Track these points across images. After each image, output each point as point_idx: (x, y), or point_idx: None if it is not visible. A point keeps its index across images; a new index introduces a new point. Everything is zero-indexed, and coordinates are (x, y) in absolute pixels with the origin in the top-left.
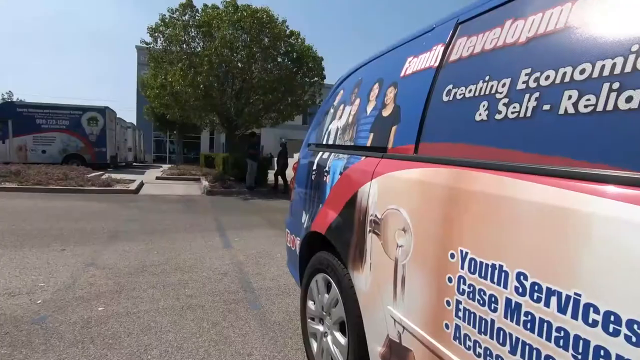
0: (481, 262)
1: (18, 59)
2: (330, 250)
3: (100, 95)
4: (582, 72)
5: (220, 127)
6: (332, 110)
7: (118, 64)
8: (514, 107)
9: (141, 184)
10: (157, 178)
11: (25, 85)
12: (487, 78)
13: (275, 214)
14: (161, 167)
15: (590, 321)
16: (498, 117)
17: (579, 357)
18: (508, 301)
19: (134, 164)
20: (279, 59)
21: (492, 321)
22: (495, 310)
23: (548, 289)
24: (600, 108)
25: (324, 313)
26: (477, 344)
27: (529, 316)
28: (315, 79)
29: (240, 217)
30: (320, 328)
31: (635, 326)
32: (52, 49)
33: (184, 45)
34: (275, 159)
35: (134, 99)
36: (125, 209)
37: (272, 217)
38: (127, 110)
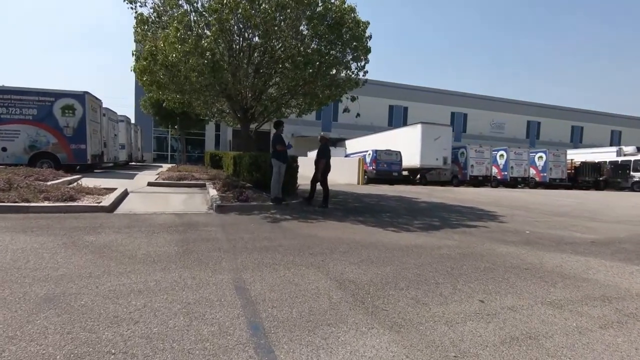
0: None
1: (7, 53)
2: None
3: (98, 94)
4: None
5: (232, 118)
6: None
7: (117, 58)
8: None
9: (123, 195)
10: (150, 184)
11: (16, 82)
12: None
13: (344, 262)
14: (161, 167)
15: None
16: None
17: None
18: None
19: (131, 163)
20: (315, 21)
21: None
22: None
23: None
24: None
25: None
26: None
27: None
28: (358, 52)
29: (284, 275)
30: None
31: None
32: (46, 44)
33: (182, 2)
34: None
35: (132, 95)
36: (71, 252)
37: (344, 273)
38: (125, 107)
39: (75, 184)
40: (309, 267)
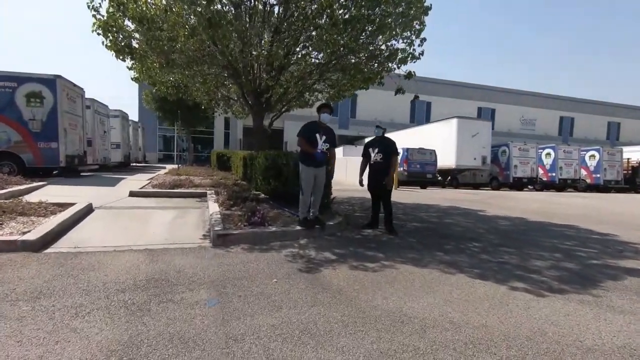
0: None
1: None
2: None
3: (101, 93)
4: None
5: (241, 106)
6: None
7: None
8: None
9: (79, 216)
10: (132, 194)
11: None
12: None
13: None
14: (163, 168)
15: None
16: None
17: None
18: None
19: (133, 164)
20: None
21: None
22: None
23: None
24: None
25: None
26: None
27: None
28: (413, 11)
29: None
30: None
31: None
32: (45, 42)
33: None
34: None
35: (136, 91)
36: None
37: None
38: (129, 107)
39: (16, 198)
40: None
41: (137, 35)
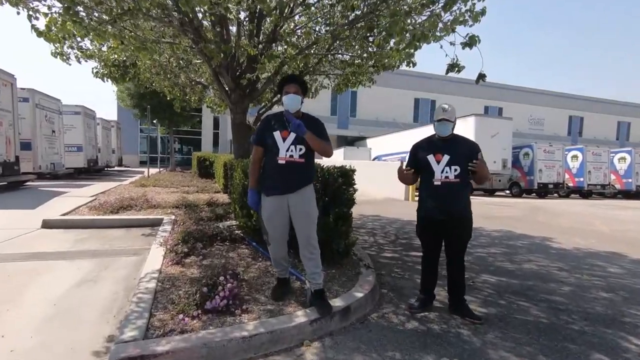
0: None
1: None
2: None
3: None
4: None
5: (216, 95)
6: None
7: None
8: None
9: None
10: (45, 225)
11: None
12: None
13: None
14: (141, 174)
15: None
16: None
17: None
18: None
19: (107, 169)
20: None
21: None
22: None
23: None
24: None
25: None
26: None
27: None
28: None
29: None
30: None
31: None
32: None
33: None
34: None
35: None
36: None
37: None
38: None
39: None
40: None
41: None
